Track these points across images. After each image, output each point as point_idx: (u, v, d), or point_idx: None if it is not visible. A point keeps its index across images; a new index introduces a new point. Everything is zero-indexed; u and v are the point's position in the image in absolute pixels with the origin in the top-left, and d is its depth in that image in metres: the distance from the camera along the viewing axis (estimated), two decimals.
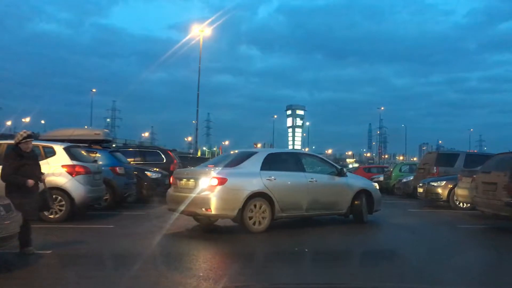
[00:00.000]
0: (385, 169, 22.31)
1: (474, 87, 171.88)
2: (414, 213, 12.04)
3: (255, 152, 8.43)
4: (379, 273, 5.03)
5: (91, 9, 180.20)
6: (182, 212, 7.56)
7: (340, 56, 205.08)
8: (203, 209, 7.28)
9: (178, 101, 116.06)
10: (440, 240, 7.72)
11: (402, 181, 17.58)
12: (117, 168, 10.76)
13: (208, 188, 7.30)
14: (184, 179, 7.95)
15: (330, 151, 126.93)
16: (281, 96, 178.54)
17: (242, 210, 7.36)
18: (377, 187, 9.54)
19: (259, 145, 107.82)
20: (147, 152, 15.49)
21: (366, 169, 25.87)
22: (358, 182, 9.10)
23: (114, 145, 20.72)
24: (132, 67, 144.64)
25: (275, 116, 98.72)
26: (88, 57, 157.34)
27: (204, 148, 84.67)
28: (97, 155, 10.70)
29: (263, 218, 7.55)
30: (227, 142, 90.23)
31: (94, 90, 71.48)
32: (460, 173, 11.72)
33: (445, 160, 15.48)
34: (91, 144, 11.42)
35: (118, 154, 11.87)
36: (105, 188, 9.73)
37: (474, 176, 9.75)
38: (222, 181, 7.31)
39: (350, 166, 45.82)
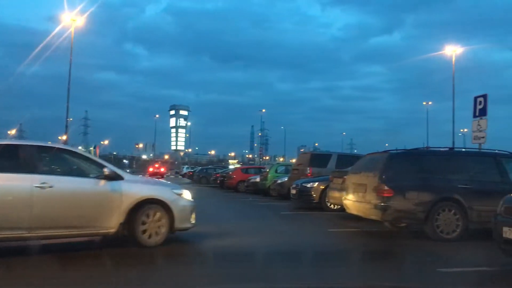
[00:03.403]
0: (262, 170, 21.90)
1: (348, 94, 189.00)
2: (285, 216, 11.41)
3: None
4: None
5: None
6: None
7: (227, 59, 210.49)
8: None
9: (55, 97, 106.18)
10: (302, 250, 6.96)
11: (277, 182, 17.18)
12: None
13: None
14: None
15: (213, 152, 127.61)
16: (167, 96, 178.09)
17: None
18: (185, 195, 6.66)
19: (141, 145, 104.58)
20: None
21: (244, 170, 25.30)
22: (142, 188, 6.29)
23: None
24: (4, 60, 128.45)
25: (157, 116, 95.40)
26: None
27: (80, 148, 78.50)
28: None
29: None
30: (106, 142, 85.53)
31: None
32: (332, 174, 11.42)
33: (318, 161, 15.33)
34: None
35: None
36: None
37: (345, 177, 9.35)
38: None
39: (231, 167, 45.40)
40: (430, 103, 64.58)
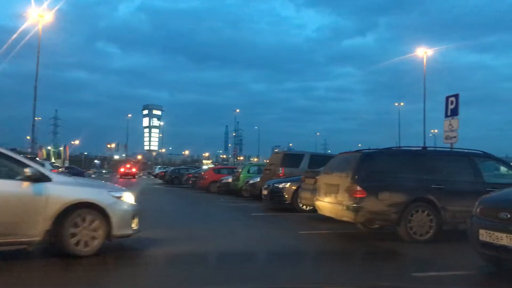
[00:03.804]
0: (235, 170, 21.52)
1: (322, 95, 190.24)
2: (255, 217, 11.06)
3: None
4: None
5: None
6: None
7: (201, 59, 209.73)
8: None
9: (23, 96, 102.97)
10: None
11: (249, 182, 16.83)
12: None
13: None
14: None
15: (187, 152, 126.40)
16: (140, 95, 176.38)
17: None
18: (126, 198, 5.92)
19: (113, 145, 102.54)
20: None
21: (216, 170, 24.87)
22: (73, 191, 5.57)
23: None
24: None
25: (130, 115, 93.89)
26: None
27: (49, 148, 76.36)
28: None
29: None
30: (77, 142, 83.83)
31: None
32: (304, 174, 11.13)
33: (291, 160, 15.04)
34: None
35: None
36: None
37: (317, 177, 9.07)
38: None
39: (205, 167, 44.77)
40: (402, 104, 65.75)
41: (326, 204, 7.90)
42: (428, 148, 8.47)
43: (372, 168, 7.43)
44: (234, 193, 18.77)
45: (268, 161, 17.73)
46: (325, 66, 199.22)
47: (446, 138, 13.96)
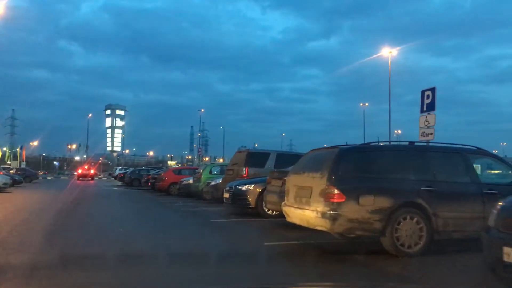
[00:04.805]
0: (196, 171, 20.01)
1: (287, 96, 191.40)
2: (213, 225, 9.64)
3: None
4: None
5: None
6: None
7: (166, 59, 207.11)
8: None
9: None
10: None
11: (211, 184, 15.39)
12: None
13: None
14: None
15: (151, 153, 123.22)
16: (104, 96, 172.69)
17: None
18: None
19: (73, 146, 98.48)
20: None
21: (176, 171, 23.23)
22: None
23: None
24: None
25: (90, 115, 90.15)
26: None
27: (5, 149, 72.63)
28: None
29: None
30: (35, 143, 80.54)
31: None
32: (269, 174, 9.78)
33: (255, 160, 13.63)
34: None
35: None
36: None
37: (285, 178, 7.77)
38: None
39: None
40: (366, 104, 65.92)
41: (296, 210, 6.57)
42: (416, 143, 7.22)
43: (352, 166, 6.17)
44: (196, 196, 17.32)
45: (230, 160, 16.20)
46: (290, 67, 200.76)
47: (422, 135, 12.92)
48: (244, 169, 13.19)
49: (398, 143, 7.28)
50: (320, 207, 5.92)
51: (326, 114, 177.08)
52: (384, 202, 5.87)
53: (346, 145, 6.90)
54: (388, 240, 5.85)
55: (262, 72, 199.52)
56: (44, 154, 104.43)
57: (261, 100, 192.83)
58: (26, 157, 70.82)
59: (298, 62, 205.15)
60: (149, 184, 24.63)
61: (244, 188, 10.70)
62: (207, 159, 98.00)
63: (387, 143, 7.58)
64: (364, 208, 5.83)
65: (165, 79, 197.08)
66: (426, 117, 12.96)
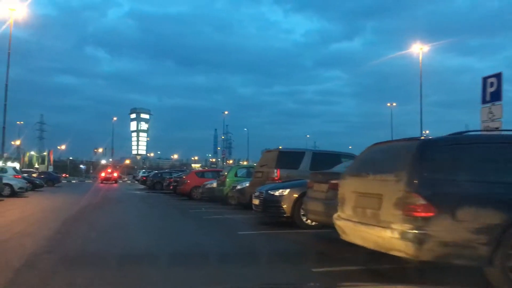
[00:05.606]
0: (220, 174, 18.40)
1: (310, 99, 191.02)
2: (243, 238, 7.89)
3: None
4: None
5: None
6: None
7: (190, 64, 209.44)
8: None
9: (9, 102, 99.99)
10: None
11: (237, 188, 13.73)
12: None
13: None
14: None
15: (176, 156, 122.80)
16: (128, 100, 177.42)
17: None
18: None
19: (100, 150, 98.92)
20: None
21: (199, 174, 21.61)
22: None
23: None
24: None
25: (115, 119, 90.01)
26: None
27: (32, 153, 73.27)
28: None
29: None
30: (63, 147, 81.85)
31: None
32: (312, 176, 7.94)
33: (288, 160, 11.81)
34: None
35: None
36: None
37: (334, 181, 5.99)
38: None
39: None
40: (394, 104, 63.35)
41: (357, 226, 4.77)
42: None
43: (441, 165, 4.33)
44: (220, 201, 15.70)
45: (258, 161, 14.36)
46: (313, 69, 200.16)
47: (485, 130, 10.93)
48: (275, 171, 11.43)
49: (503, 132, 5.33)
50: (397, 224, 4.12)
51: (349, 116, 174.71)
52: (491, 216, 4.03)
53: (427, 136, 5.06)
54: (497, 272, 4.01)
55: (284, 75, 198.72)
56: (71, 158, 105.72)
57: (283, 103, 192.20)
58: (53, 161, 71.83)
59: (320, 64, 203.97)
60: (171, 187, 23.25)
61: (277, 193, 8.94)
62: (231, 161, 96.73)
63: (492, 132, 5.63)
64: (463, 226, 4.01)
65: (188, 83, 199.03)
66: (490, 108, 10.95)
